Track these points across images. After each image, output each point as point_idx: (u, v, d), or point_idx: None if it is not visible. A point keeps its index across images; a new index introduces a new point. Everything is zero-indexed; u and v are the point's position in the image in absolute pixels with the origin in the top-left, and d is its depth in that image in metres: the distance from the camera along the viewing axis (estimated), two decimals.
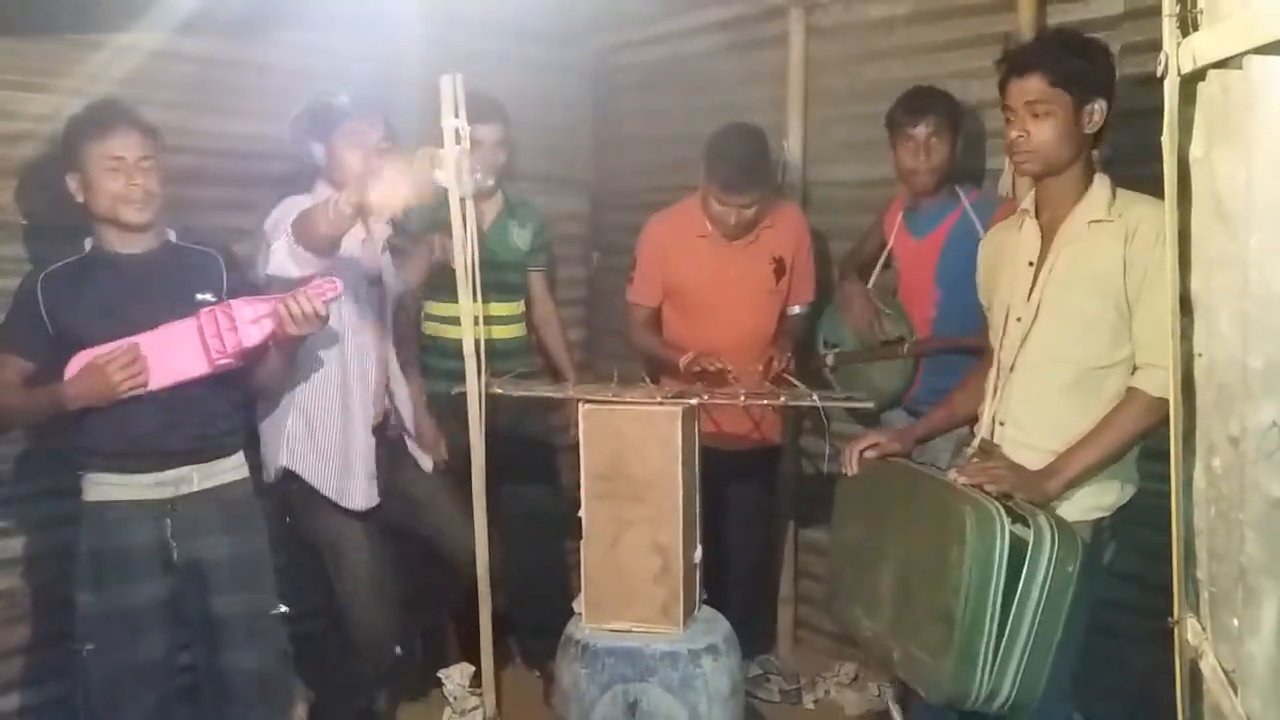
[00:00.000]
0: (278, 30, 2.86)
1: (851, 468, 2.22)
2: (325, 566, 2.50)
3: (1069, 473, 1.94)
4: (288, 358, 2.29)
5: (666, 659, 2.30)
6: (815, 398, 2.42)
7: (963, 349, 2.60)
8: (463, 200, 2.08)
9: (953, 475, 1.97)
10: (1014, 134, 1.96)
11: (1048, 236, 2.01)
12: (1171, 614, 1.46)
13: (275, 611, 2.28)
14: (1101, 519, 1.99)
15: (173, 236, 2.26)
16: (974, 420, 2.17)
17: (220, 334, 2.11)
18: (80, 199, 2.14)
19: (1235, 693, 1.14)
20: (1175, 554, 1.26)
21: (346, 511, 2.48)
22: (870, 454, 2.21)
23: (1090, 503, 1.98)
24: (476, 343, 2.23)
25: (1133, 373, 1.92)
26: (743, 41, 3.41)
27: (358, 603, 2.46)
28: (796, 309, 3.05)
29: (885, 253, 2.90)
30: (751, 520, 3.16)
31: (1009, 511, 1.86)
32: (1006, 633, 1.83)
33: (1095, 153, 2.05)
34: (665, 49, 3.63)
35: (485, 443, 2.37)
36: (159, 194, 2.15)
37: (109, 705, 2.13)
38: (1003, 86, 1.99)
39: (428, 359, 2.93)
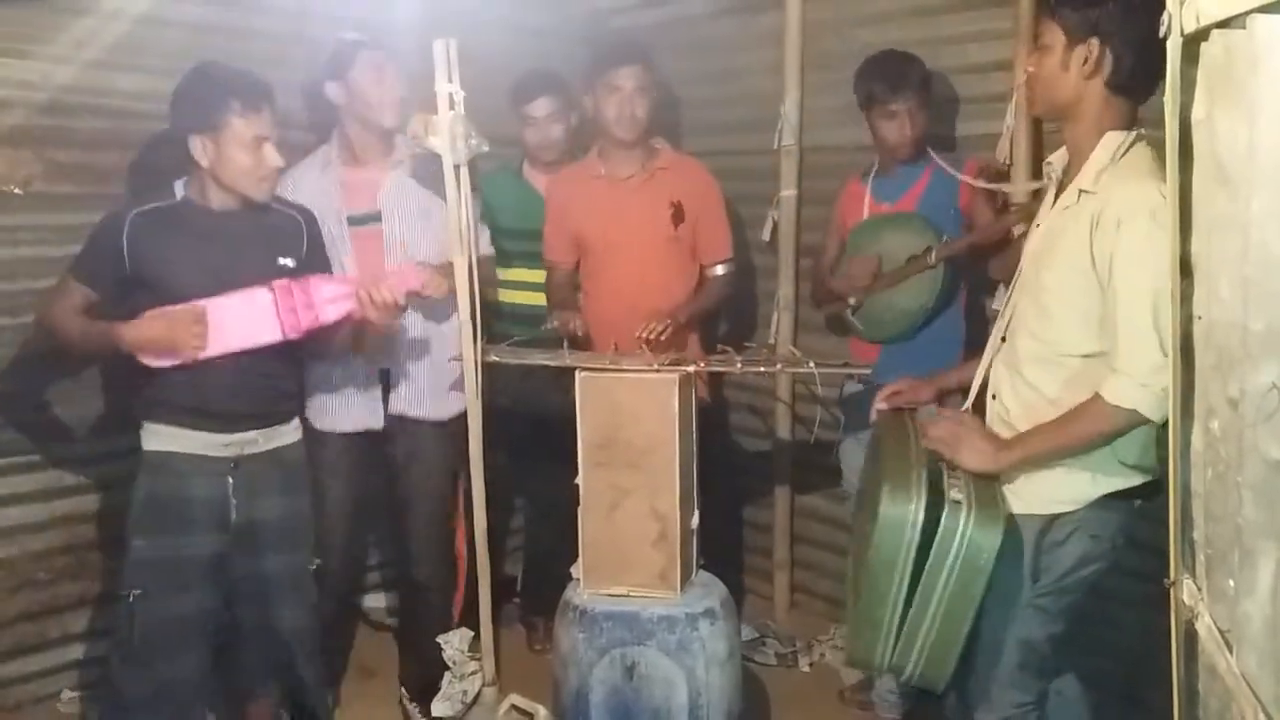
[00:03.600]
0: None
1: (873, 414, 2.18)
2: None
3: (1019, 454, 1.84)
4: (356, 339, 2.36)
5: (664, 623, 2.32)
6: (811, 364, 2.42)
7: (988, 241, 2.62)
8: (457, 167, 2.06)
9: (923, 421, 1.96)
10: (1025, 68, 1.89)
11: (1054, 200, 1.90)
12: (1168, 576, 1.45)
13: (311, 567, 2.36)
14: (1063, 514, 1.86)
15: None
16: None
17: (296, 309, 2.14)
18: (202, 161, 2.13)
19: (1231, 652, 1.15)
20: (1172, 517, 1.26)
21: (330, 438, 2.57)
22: (881, 405, 2.16)
23: (1047, 495, 1.87)
24: (483, 306, 2.24)
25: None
26: (740, 4, 3.37)
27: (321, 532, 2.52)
28: (718, 269, 2.99)
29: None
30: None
31: (935, 490, 1.79)
32: (911, 612, 1.79)
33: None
34: (662, 12, 3.58)
35: (513, 410, 2.36)
36: (280, 169, 2.20)
37: (151, 653, 2.16)
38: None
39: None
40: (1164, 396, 1.61)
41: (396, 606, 3.07)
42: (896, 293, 2.73)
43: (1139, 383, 1.69)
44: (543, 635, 3.17)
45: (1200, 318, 1.18)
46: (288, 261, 2.24)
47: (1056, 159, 1.95)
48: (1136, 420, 1.72)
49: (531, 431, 2.84)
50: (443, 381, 2.66)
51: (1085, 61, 1.78)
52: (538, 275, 3.05)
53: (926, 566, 1.77)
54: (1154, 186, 1.68)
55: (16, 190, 2.50)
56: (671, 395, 2.32)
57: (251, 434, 2.24)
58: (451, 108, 2.03)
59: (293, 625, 2.31)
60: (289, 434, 2.33)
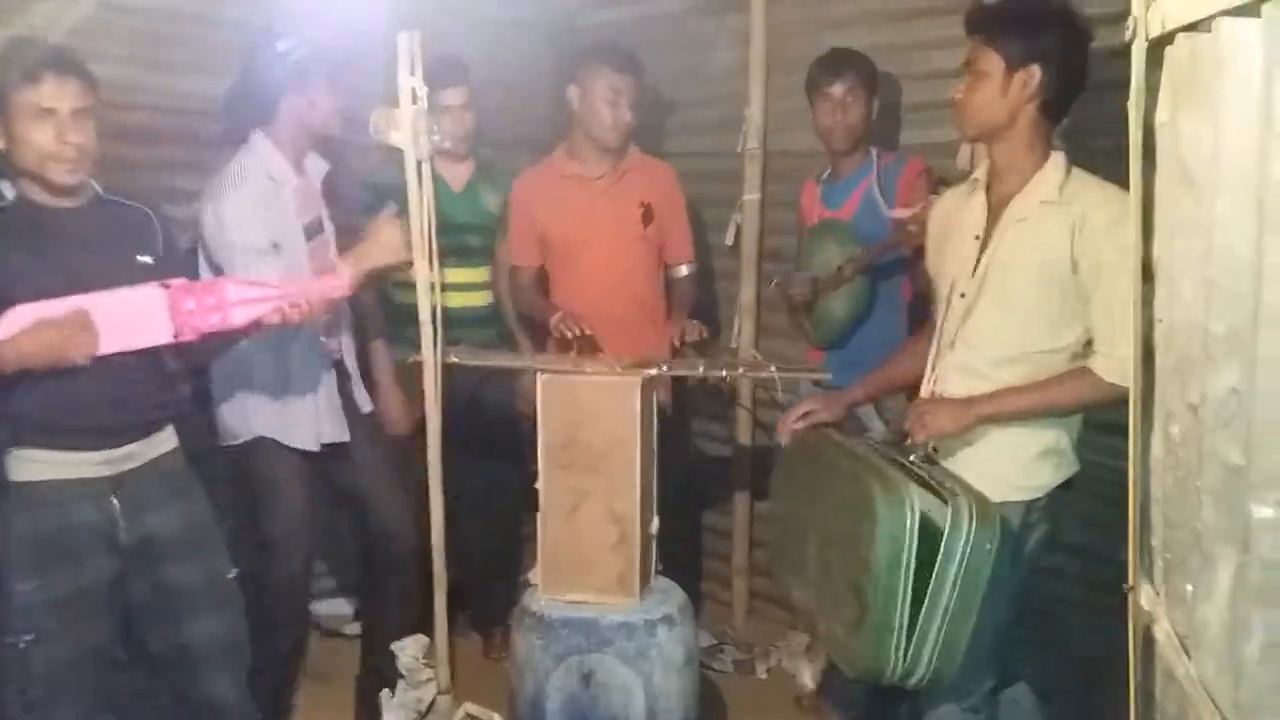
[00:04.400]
0: None
1: (784, 437, 2.22)
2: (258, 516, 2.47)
3: (990, 408, 1.93)
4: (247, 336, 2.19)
5: (622, 629, 2.30)
6: (773, 369, 2.41)
7: (891, 251, 2.64)
8: (419, 163, 2.02)
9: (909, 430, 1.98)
10: (953, 93, 1.96)
11: (996, 210, 1.98)
12: (1126, 581, 1.47)
13: (230, 575, 2.20)
14: (1034, 500, 1.97)
15: (98, 189, 2.05)
16: (912, 386, 2.17)
17: (200, 311, 1.94)
18: (0, 146, 1.92)
19: (1188, 657, 1.14)
20: (1131, 522, 1.26)
21: (289, 452, 2.46)
22: (799, 425, 2.20)
23: (1021, 482, 1.97)
24: (434, 310, 2.17)
25: (1087, 358, 1.91)
26: (706, 5, 3.36)
27: (278, 547, 2.45)
28: (683, 269, 3.02)
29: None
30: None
31: (926, 487, 1.84)
32: (922, 611, 1.81)
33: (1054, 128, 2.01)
34: (627, 10, 3.56)
35: (444, 412, 2.33)
36: (94, 149, 1.94)
37: (53, 697, 1.98)
38: None
39: (394, 328, 2.85)
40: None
41: (357, 610, 3.00)
42: (831, 300, 2.79)
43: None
44: (499, 642, 3.13)
45: (1161, 321, 1.18)
46: (145, 259, 2.02)
47: (980, 173, 2.06)
48: (1120, 396, 1.80)
49: (466, 429, 2.74)
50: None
51: (1025, 87, 1.89)
52: (459, 275, 2.96)
53: (936, 564, 1.80)
54: (1125, 194, 1.77)
55: None
56: (634, 398, 2.29)
57: (132, 447, 2.03)
58: (414, 102, 1.98)
59: (214, 635, 2.15)
60: (166, 441, 2.13)
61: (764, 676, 3.17)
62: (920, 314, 2.73)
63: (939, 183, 2.74)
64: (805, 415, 2.21)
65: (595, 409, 2.31)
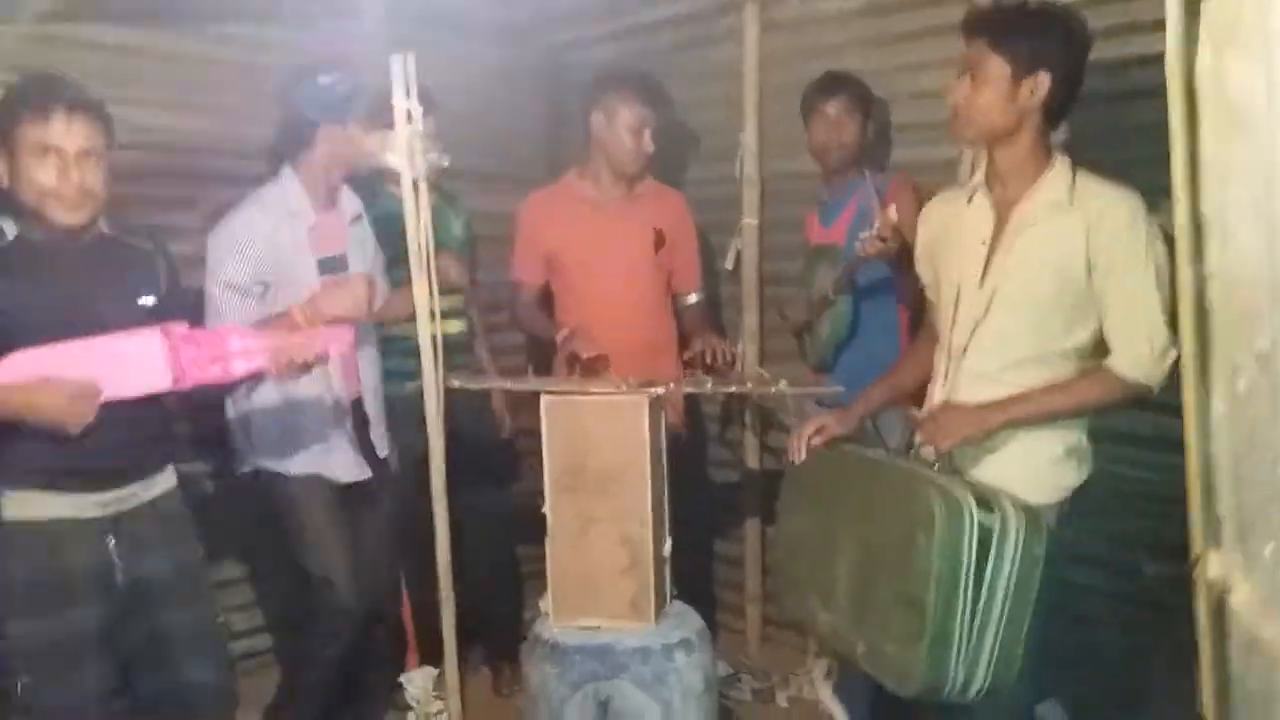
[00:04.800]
0: (215, 23, 2.79)
1: (799, 455, 2.17)
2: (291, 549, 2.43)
3: (1011, 413, 1.92)
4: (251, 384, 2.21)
5: (638, 655, 2.24)
6: (783, 384, 2.38)
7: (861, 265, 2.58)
8: (415, 183, 2.01)
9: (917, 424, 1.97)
10: (950, 99, 1.95)
11: (1001, 216, 1.97)
12: (1151, 590, 1.43)
13: (219, 621, 2.17)
14: (1062, 501, 1.97)
15: (104, 226, 2.02)
16: (916, 394, 2.17)
17: (200, 360, 1.89)
18: (4, 183, 1.89)
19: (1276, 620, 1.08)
20: (1192, 488, 1.22)
21: (317, 484, 2.44)
22: (817, 440, 2.17)
23: (1055, 482, 1.97)
24: (434, 335, 2.15)
25: (1099, 356, 1.91)
26: (696, 38, 3.40)
27: (319, 559, 2.40)
28: (691, 298, 3.03)
29: None
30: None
31: (976, 497, 1.82)
32: (977, 620, 1.79)
33: (1055, 134, 2.02)
34: (616, 47, 3.59)
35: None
36: (100, 191, 1.91)
37: None
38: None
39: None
40: (1169, 372, 1.83)
41: None
42: (821, 323, 2.80)
43: (1154, 361, 1.84)
44: (509, 677, 3.06)
45: (1214, 276, 1.14)
46: (147, 300, 1.98)
47: (980, 176, 2.05)
48: (1140, 393, 1.89)
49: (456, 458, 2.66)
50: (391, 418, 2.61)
51: (1033, 94, 1.89)
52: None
53: (988, 571, 1.78)
54: (1133, 194, 1.88)
55: None
56: (641, 418, 2.26)
57: (129, 489, 2.00)
58: (409, 122, 1.98)
59: (202, 681, 2.09)
60: (165, 482, 2.09)
61: (785, 705, 3.10)
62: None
63: (928, 193, 2.76)
64: (819, 431, 2.17)
65: (602, 430, 2.28)
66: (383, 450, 2.63)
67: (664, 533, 2.38)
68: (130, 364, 1.87)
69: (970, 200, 2.03)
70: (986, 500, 1.82)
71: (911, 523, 1.81)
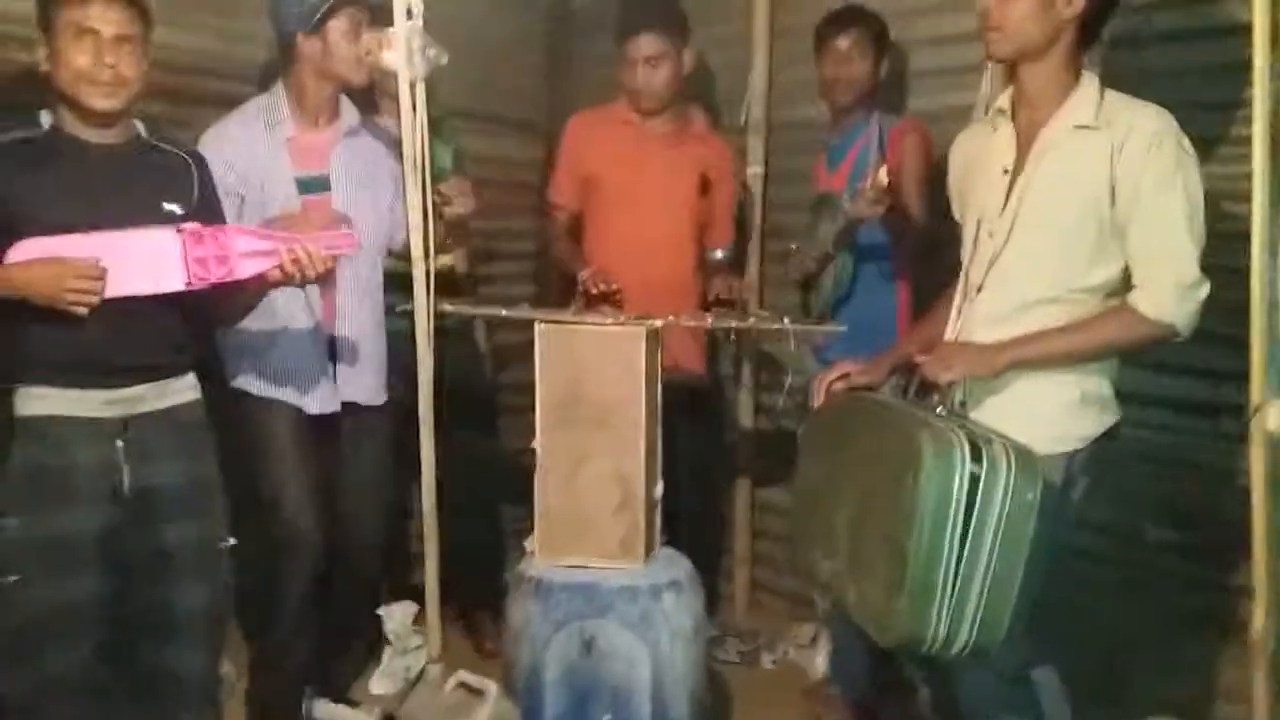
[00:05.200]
0: None
1: (819, 398, 2.06)
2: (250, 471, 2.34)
3: (1022, 352, 1.80)
4: (250, 307, 2.12)
5: (625, 594, 2.16)
6: (786, 321, 2.29)
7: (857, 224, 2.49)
8: (413, 84, 1.91)
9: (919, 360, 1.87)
10: (983, 4, 1.81)
11: (1025, 141, 1.86)
12: (1151, 545, 1.35)
13: (224, 544, 2.07)
14: (1076, 451, 1.83)
15: (141, 130, 2.01)
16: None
17: (208, 259, 1.87)
18: (45, 68, 1.88)
19: None
20: (1255, 338, 1.13)
21: (282, 409, 2.36)
22: (839, 385, 2.05)
23: (1061, 432, 1.83)
24: (426, 245, 2.04)
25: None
26: None
27: (271, 482, 2.33)
28: (719, 253, 2.93)
29: None
30: (685, 461, 2.89)
31: (968, 438, 1.69)
32: (961, 569, 1.67)
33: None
34: None
35: (406, 386, 2.21)
36: (134, 80, 1.89)
37: (35, 646, 1.87)
38: None
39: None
40: (1198, 312, 1.72)
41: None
42: (823, 277, 2.70)
43: (1178, 296, 1.71)
44: (494, 633, 2.96)
45: None
46: (174, 208, 1.95)
47: (1004, 102, 1.93)
48: (1164, 335, 1.75)
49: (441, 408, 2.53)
50: (380, 365, 2.51)
51: (1070, 3, 1.77)
52: None
53: (974, 518, 1.65)
54: (1164, 112, 1.75)
55: None
56: (638, 350, 2.18)
57: (139, 389, 1.95)
58: (409, 18, 1.88)
59: (197, 604, 2.02)
60: (185, 391, 2.04)
61: (770, 667, 3.02)
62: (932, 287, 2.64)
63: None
64: (843, 377, 2.05)
65: (597, 362, 2.19)
66: (362, 396, 2.50)
67: (656, 472, 2.30)
68: (144, 261, 1.86)
69: (995, 129, 1.92)
70: (974, 441, 1.69)
71: (903, 463, 1.70)
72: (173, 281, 1.87)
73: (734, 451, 3.36)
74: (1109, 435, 1.86)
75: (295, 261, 1.90)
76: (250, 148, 2.31)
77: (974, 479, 1.66)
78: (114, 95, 1.88)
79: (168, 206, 1.95)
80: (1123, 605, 2.47)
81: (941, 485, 1.65)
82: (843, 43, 2.65)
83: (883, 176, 2.21)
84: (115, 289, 1.83)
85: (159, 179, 1.98)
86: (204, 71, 2.72)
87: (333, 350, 2.44)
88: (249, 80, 2.72)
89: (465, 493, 2.91)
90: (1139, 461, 2.33)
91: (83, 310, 1.81)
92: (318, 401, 2.41)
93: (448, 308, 2.25)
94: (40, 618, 1.87)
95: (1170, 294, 1.72)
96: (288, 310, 2.34)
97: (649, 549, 2.27)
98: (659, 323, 2.25)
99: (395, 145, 2.29)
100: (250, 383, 2.37)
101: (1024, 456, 1.70)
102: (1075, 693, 2.04)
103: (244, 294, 2.04)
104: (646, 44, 2.69)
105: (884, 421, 1.85)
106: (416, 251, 2.03)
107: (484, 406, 3.15)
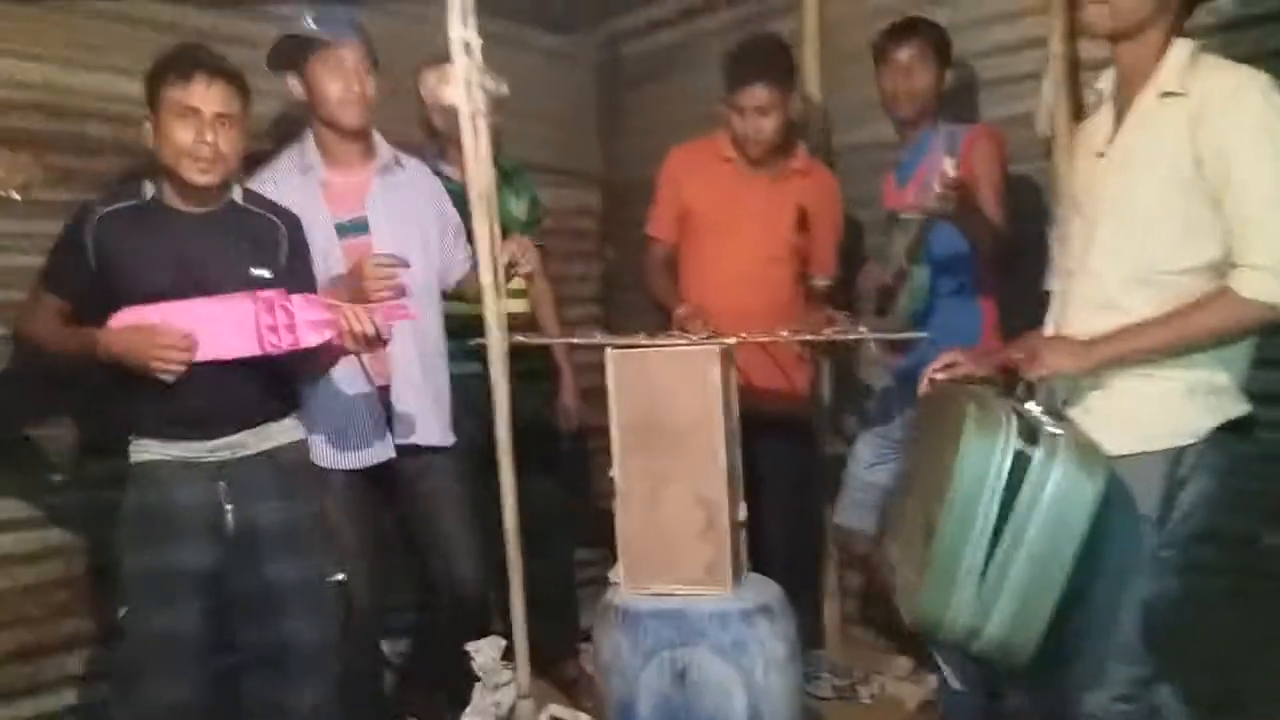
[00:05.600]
0: (264, 4, 2.75)
1: (922, 387, 1.96)
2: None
3: (1115, 348, 1.68)
4: (331, 366, 2.17)
5: (716, 620, 2.10)
6: (863, 330, 2.25)
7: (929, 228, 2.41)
8: (474, 116, 1.93)
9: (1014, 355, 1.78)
10: None
11: (1121, 119, 1.75)
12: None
13: (333, 579, 2.13)
14: (1186, 446, 1.68)
15: (238, 196, 2.11)
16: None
17: (278, 327, 1.96)
18: (149, 144, 2.01)
19: None
20: None
21: (345, 477, 2.35)
22: (940, 375, 1.94)
23: (1165, 427, 1.69)
24: (495, 272, 2.04)
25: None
26: (754, 13, 3.34)
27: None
28: (823, 281, 2.89)
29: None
30: (782, 493, 2.85)
31: (1021, 423, 1.62)
32: (999, 556, 1.58)
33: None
34: (673, 33, 3.56)
35: (481, 430, 2.20)
36: (232, 157, 2.02)
37: (142, 675, 1.95)
38: None
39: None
40: None
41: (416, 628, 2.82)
42: (900, 296, 2.60)
43: (1276, 274, 1.57)
44: (574, 662, 2.92)
45: None
46: (262, 272, 2.05)
47: (1104, 82, 1.83)
48: (1269, 317, 1.60)
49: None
50: (442, 405, 2.49)
51: None
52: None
53: (1015, 501, 1.57)
54: (1254, 71, 1.62)
55: (15, 195, 2.39)
56: (713, 369, 2.15)
57: (239, 436, 2.05)
58: (468, 55, 1.91)
59: (307, 639, 2.06)
60: (285, 433, 2.13)
61: (868, 702, 2.91)
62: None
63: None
64: (949, 366, 1.94)
65: (672, 384, 2.17)
66: (426, 437, 2.47)
67: (739, 493, 2.25)
68: (226, 328, 1.96)
69: (1098, 111, 1.84)
70: (1032, 426, 1.61)
71: (950, 440, 1.63)
72: (249, 347, 1.97)
73: (817, 479, 3.28)
74: (1232, 429, 1.70)
75: (353, 334, 1.96)
76: (287, 198, 2.30)
77: (1021, 460, 1.57)
78: (211, 171, 2.00)
79: (255, 272, 2.05)
80: (1237, 617, 2.32)
81: (978, 460, 1.58)
82: (902, 55, 2.59)
83: (949, 168, 2.13)
84: (203, 354, 1.94)
85: (248, 245, 2.08)
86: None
87: (389, 400, 2.40)
88: (268, 136, 2.73)
89: (540, 534, 2.90)
90: (1256, 462, 2.21)
91: (170, 377, 1.92)
92: (375, 454, 2.38)
93: (520, 339, 2.25)
94: (151, 650, 1.95)
95: (1268, 275, 1.57)
96: (341, 373, 2.32)
97: (736, 573, 2.20)
98: (732, 341, 2.22)
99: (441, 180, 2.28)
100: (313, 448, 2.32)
101: (1088, 449, 1.61)
102: (1192, 713, 1.91)
103: (317, 359, 2.09)
104: (758, 95, 2.65)
105: (954, 405, 1.77)
106: (487, 280, 2.03)
107: (562, 447, 3.13)
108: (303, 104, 2.37)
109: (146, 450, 2.03)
